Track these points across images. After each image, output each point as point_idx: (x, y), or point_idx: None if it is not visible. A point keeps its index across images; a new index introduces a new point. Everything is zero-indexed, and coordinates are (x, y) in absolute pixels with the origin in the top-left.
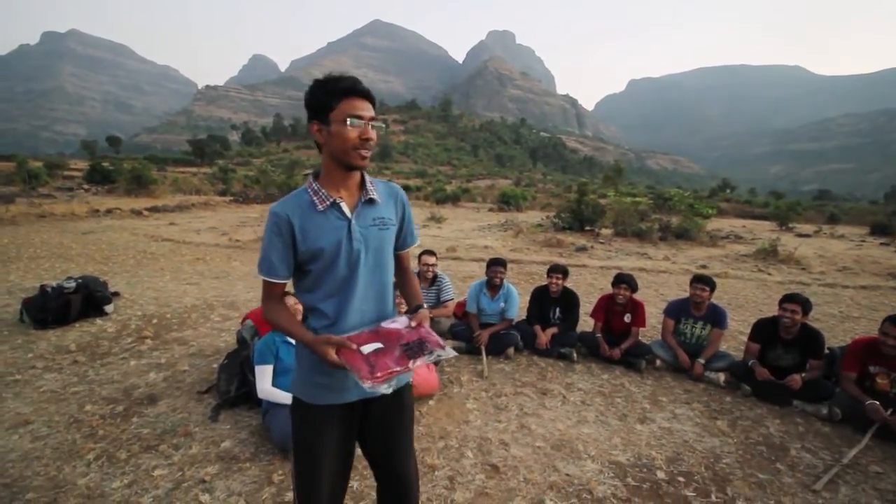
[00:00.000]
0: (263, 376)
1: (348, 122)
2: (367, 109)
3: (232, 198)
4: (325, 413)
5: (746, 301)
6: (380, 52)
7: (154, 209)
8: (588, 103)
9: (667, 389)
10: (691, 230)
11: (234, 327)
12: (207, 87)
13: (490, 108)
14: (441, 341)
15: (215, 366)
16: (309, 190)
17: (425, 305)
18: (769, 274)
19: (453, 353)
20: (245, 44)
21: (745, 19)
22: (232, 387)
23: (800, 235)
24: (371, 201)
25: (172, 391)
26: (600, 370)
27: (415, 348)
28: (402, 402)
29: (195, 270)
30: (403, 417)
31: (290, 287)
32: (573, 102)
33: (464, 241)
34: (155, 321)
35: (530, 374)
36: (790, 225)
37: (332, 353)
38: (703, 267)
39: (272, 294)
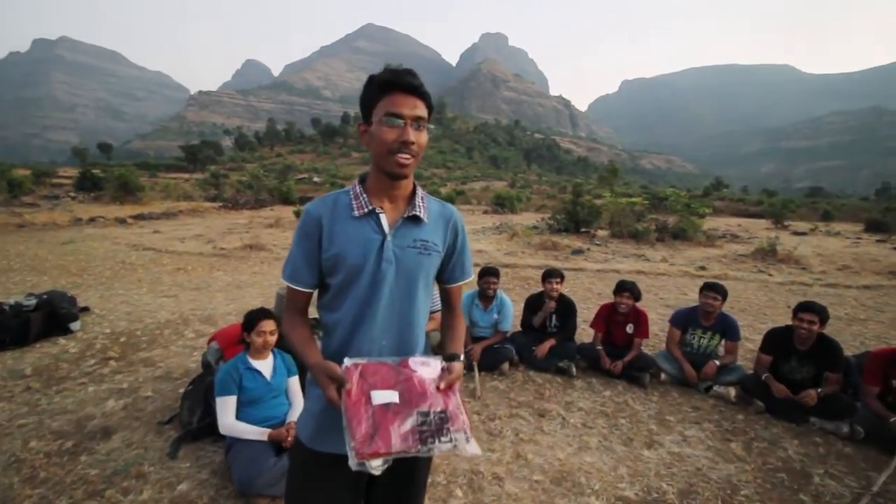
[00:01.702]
0: (225, 409)
1: (385, 122)
2: (409, 106)
3: (222, 204)
4: (328, 462)
5: (749, 305)
6: (373, 56)
7: (139, 217)
8: (581, 104)
9: (674, 407)
10: (688, 230)
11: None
12: (200, 92)
13: (484, 110)
14: (468, 427)
15: (182, 391)
16: (350, 192)
17: (462, 357)
18: (770, 275)
19: (476, 451)
20: (238, 49)
21: (734, 19)
22: (194, 417)
23: (796, 233)
24: (416, 219)
25: (130, 422)
26: (601, 386)
27: (433, 426)
28: (419, 460)
29: (174, 281)
30: (420, 473)
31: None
32: (566, 104)
33: None
34: (123, 339)
35: (526, 393)
36: (785, 223)
37: (331, 389)
38: (702, 268)
39: (294, 304)
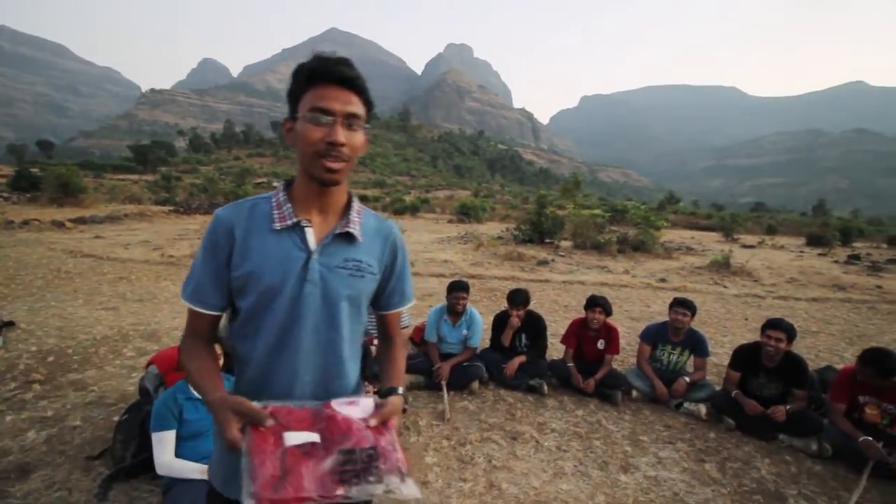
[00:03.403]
0: (163, 446)
1: (310, 118)
2: (340, 101)
3: (172, 207)
4: None
5: (709, 317)
6: None
7: (80, 220)
8: (543, 117)
9: (647, 426)
10: (647, 242)
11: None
12: (152, 90)
13: (449, 119)
14: (404, 465)
15: (116, 419)
16: (273, 200)
17: (401, 390)
18: (725, 287)
19: (414, 492)
20: (194, 47)
21: (687, 42)
22: (128, 452)
23: (745, 246)
24: (348, 236)
25: (53, 457)
26: (574, 405)
27: (359, 465)
28: None
29: (115, 292)
30: None
31: None
32: (529, 116)
33: (423, 255)
34: (51, 359)
35: (498, 414)
36: (735, 236)
37: (234, 427)
38: (663, 280)
39: (195, 329)
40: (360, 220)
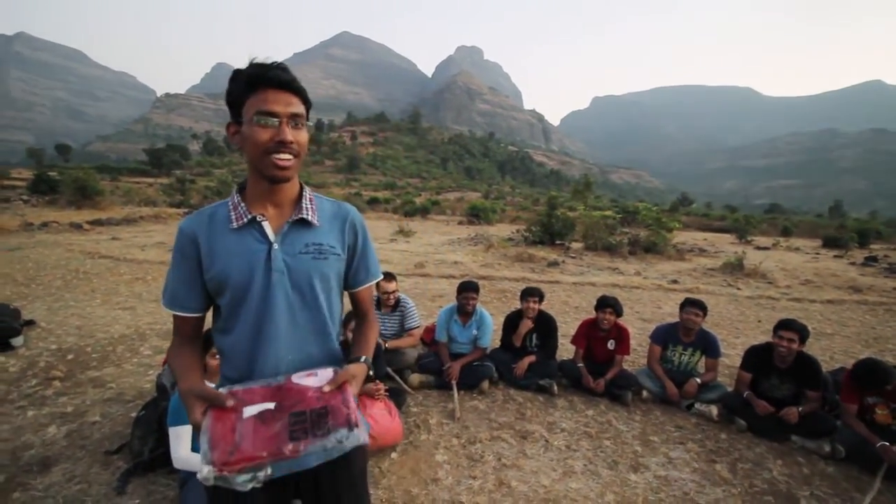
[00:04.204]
0: (179, 440)
1: (257, 121)
2: (282, 103)
3: (187, 210)
4: (238, 497)
5: (722, 319)
6: (348, 64)
7: (97, 222)
8: (554, 119)
9: (657, 426)
10: (659, 244)
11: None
12: (167, 94)
13: (459, 121)
14: (356, 418)
15: (134, 415)
16: (229, 203)
17: (363, 358)
18: (738, 289)
19: (363, 439)
20: (208, 52)
21: (700, 42)
22: (146, 447)
23: (759, 248)
24: (304, 223)
25: (74, 451)
26: (584, 405)
27: (309, 423)
28: (351, 473)
29: (132, 292)
30: (354, 496)
31: None
32: (540, 118)
33: (433, 256)
34: (70, 356)
35: (507, 413)
36: (748, 238)
37: (197, 411)
38: (675, 282)
39: (179, 331)
40: (314, 206)
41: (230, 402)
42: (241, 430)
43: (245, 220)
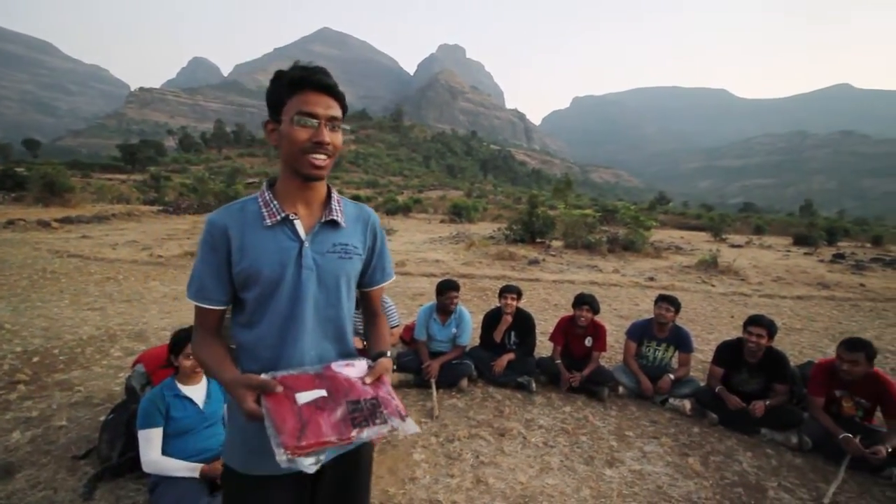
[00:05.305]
0: (149, 444)
1: (296, 121)
2: (322, 106)
3: (161, 207)
4: (265, 485)
5: (696, 315)
6: (329, 60)
7: (66, 220)
8: (535, 118)
9: (632, 421)
10: (637, 242)
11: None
12: (142, 89)
13: (441, 119)
14: (403, 409)
15: (102, 419)
16: (259, 199)
17: (388, 352)
18: (712, 285)
19: (415, 429)
20: (184, 46)
21: (677, 44)
22: (115, 451)
23: (733, 246)
24: (333, 223)
25: (38, 457)
26: (561, 401)
27: (366, 412)
28: (360, 462)
29: (103, 292)
30: (361, 483)
31: None
32: (521, 117)
33: (414, 255)
34: (36, 359)
35: (486, 411)
36: (723, 236)
37: (249, 399)
38: (652, 279)
39: (204, 324)
40: (341, 208)
41: (279, 389)
42: (303, 416)
43: (279, 217)
